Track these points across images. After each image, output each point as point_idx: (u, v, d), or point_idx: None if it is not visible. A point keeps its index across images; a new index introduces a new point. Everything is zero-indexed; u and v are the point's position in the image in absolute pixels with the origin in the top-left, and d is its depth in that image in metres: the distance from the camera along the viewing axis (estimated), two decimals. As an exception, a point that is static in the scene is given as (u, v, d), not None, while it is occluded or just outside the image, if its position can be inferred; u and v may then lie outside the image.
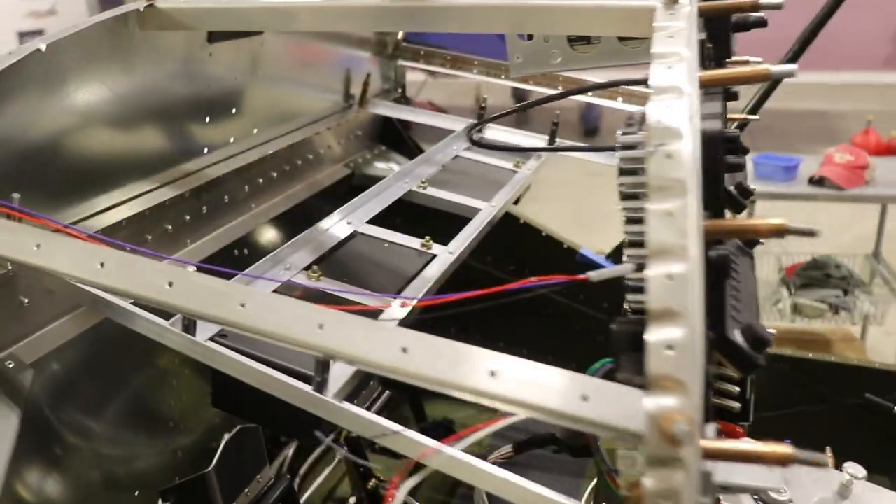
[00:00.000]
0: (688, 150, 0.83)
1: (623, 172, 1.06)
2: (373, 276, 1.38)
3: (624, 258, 1.10)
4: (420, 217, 1.67)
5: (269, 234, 1.98)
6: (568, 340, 2.54)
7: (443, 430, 2.03)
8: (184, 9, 1.35)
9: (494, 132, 2.26)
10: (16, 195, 1.18)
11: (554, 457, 1.36)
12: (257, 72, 1.84)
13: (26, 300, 1.26)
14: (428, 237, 1.51)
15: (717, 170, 0.96)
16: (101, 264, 0.89)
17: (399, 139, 2.57)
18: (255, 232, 1.89)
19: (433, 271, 1.39)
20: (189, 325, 1.04)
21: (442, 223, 1.67)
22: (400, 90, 2.57)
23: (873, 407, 2.00)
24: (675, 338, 0.66)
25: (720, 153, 0.96)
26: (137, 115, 1.48)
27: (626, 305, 1.10)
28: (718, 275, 0.86)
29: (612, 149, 1.22)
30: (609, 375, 0.95)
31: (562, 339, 2.53)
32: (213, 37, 1.59)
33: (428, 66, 2.44)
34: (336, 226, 1.51)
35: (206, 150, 1.69)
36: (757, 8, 1.12)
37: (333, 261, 1.39)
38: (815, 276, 4.43)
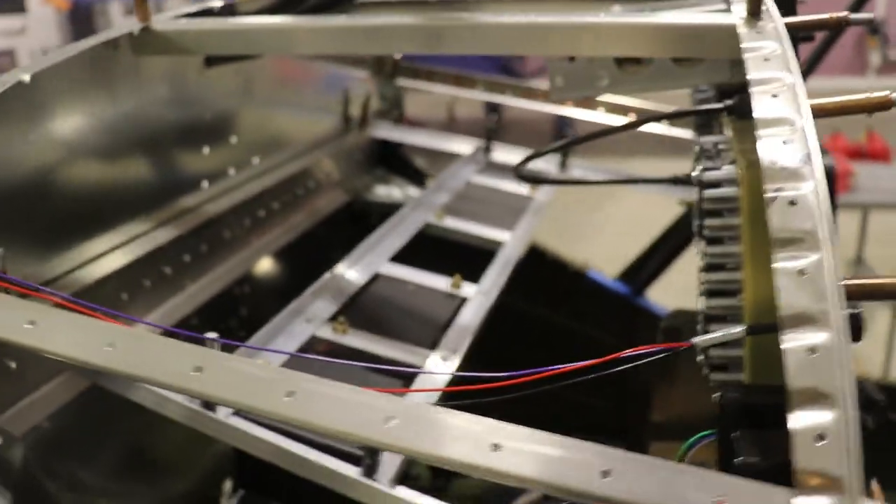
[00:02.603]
0: (813, 194, 0.70)
1: (708, 214, 0.93)
2: (403, 325, 1.24)
3: (701, 306, 0.97)
4: (442, 250, 1.54)
5: (271, 270, 1.82)
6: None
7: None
8: (183, 31, 1.20)
9: (505, 154, 2.13)
10: (-1, 250, 1.02)
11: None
12: (255, 97, 1.69)
13: (13, 364, 1.11)
14: (457, 275, 1.37)
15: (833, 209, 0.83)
16: (111, 345, 0.74)
17: (399, 161, 2.42)
18: (257, 268, 1.74)
19: (468, 318, 1.25)
20: (210, 402, 0.91)
21: (465, 256, 1.54)
22: (398, 110, 2.43)
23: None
24: (825, 424, 0.56)
25: (832, 191, 0.83)
26: (131, 149, 1.32)
27: (701, 360, 0.97)
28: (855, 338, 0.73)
29: (688, 182, 1.10)
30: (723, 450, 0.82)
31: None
32: (211, 61, 1.44)
33: (429, 85, 2.30)
34: (356, 267, 1.36)
35: (205, 185, 1.53)
36: (846, 25, 1.00)
37: (358, 309, 1.25)
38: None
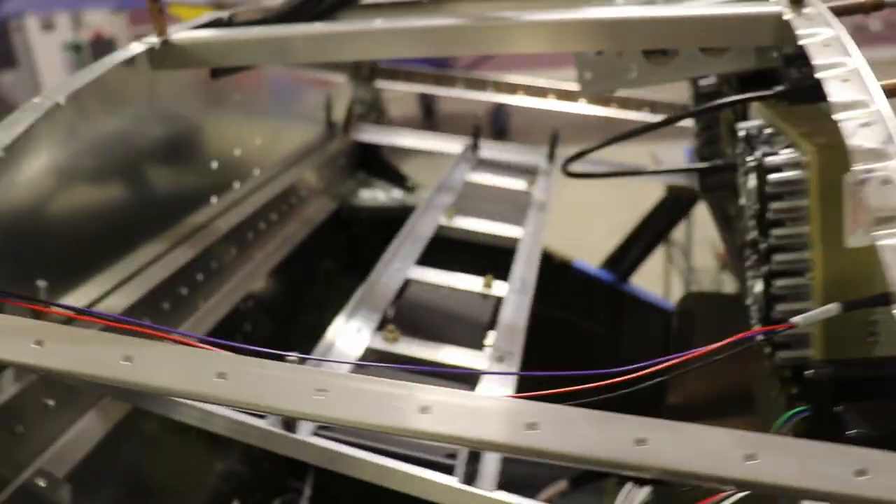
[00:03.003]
0: None
1: (771, 198, 0.95)
2: (448, 328, 1.23)
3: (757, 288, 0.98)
4: (461, 250, 1.54)
5: (272, 283, 1.79)
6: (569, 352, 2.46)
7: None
8: (206, 41, 1.17)
9: (490, 151, 2.13)
10: (41, 283, 0.98)
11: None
12: (254, 107, 1.65)
13: (52, 402, 1.06)
14: (489, 275, 1.36)
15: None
16: (222, 375, 0.71)
17: (379, 164, 2.40)
18: (262, 284, 1.70)
19: (512, 317, 1.25)
20: (290, 422, 0.88)
21: (484, 254, 1.54)
22: (377, 114, 2.41)
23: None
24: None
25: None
26: (148, 168, 1.28)
27: (761, 340, 0.99)
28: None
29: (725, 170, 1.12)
30: (807, 426, 0.83)
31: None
32: (218, 72, 1.40)
33: (408, 85, 2.29)
34: (386, 274, 1.35)
35: (214, 200, 1.50)
36: (881, 7, 1.03)
37: (401, 316, 1.23)
38: (752, 257, 4.54)
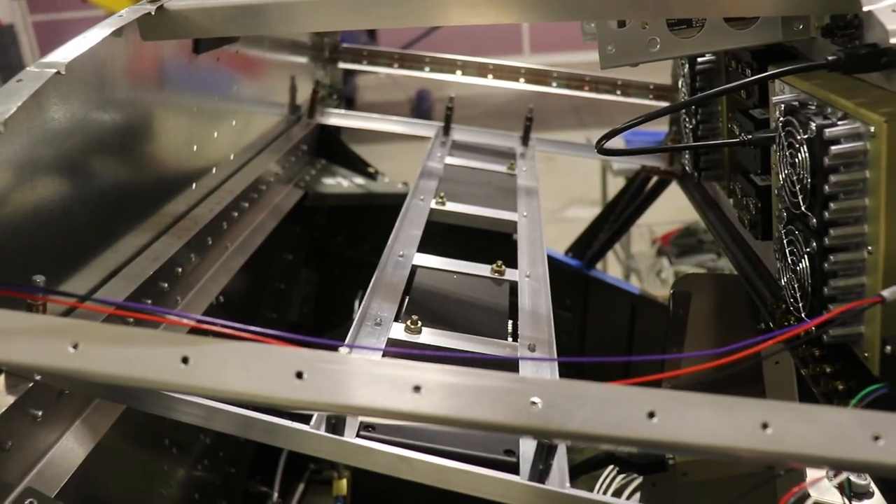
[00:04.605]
0: None
1: (830, 170, 0.91)
2: (469, 317, 1.16)
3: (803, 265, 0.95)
4: (457, 235, 1.47)
5: (245, 275, 1.69)
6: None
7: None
8: (203, 8, 1.06)
9: (464, 134, 2.07)
10: (38, 277, 0.87)
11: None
12: (228, 88, 1.55)
13: (40, 413, 0.95)
14: (500, 262, 1.30)
15: None
16: (300, 375, 0.63)
17: (339, 150, 2.31)
18: (235, 277, 1.60)
19: (532, 303, 1.19)
20: (338, 423, 0.81)
21: (483, 238, 1.48)
22: (336, 96, 2.31)
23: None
24: None
25: None
26: (140, 148, 1.18)
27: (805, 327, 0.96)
28: None
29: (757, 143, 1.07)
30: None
31: None
32: (201, 46, 1.30)
33: (372, 66, 2.20)
34: (391, 263, 1.26)
35: (193, 186, 1.39)
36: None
37: (417, 305, 1.15)
38: (689, 242, 4.67)
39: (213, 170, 1.47)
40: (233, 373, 0.63)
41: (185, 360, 0.63)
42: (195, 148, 1.37)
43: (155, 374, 0.63)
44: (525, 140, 2.04)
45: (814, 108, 0.99)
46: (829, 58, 0.95)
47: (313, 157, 2.22)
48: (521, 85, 2.07)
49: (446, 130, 2.02)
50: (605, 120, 1.97)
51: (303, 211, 2.09)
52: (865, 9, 0.87)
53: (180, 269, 1.35)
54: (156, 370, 0.63)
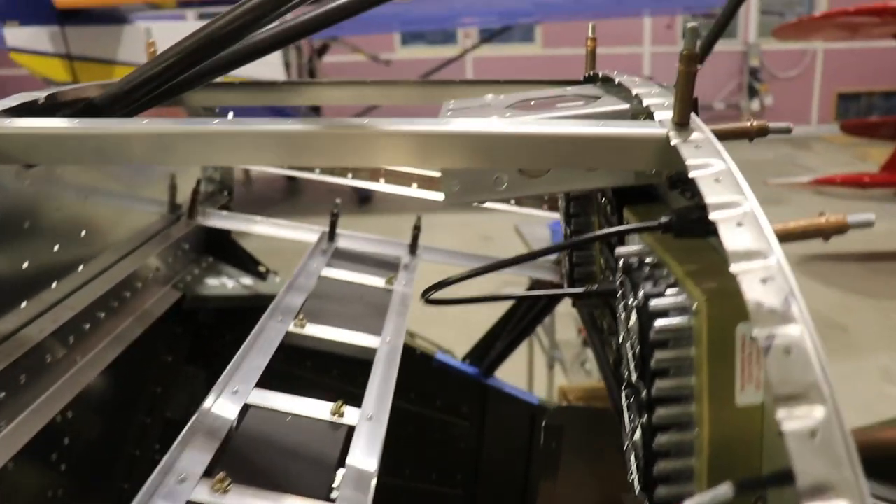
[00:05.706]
0: (807, 338, 0.63)
1: (657, 346, 0.85)
2: (290, 471, 1.06)
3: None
4: (311, 363, 1.38)
5: (99, 388, 1.58)
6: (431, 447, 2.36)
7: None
8: (14, 134, 0.98)
9: (349, 241, 1.99)
10: None
11: None
12: (78, 192, 1.45)
13: None
14: (340, 402, 1.21)
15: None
16: None
17: (228, 248, 2.22)
18: (83, 392, 1.49)
19: (362, 456, 1.10)
20: None
21: (337, 366, 1.40)
22: (227, 192, 2.23)
23: None
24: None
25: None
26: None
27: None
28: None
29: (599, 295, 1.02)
30: None
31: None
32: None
33: (263, 165, 2.12)
34: (222, 400, 1.17)
35: (23, 304, 1.29)
36: (766, 132, 0.97)
37: (234, 459, 1.06)
38: (611, 333, 4.65)
39: (53, 284, 1.37)
40: None
41: None
42: (25, 265, 1.27)
43: None
44: (413, 249, 1.98)
45: (648, 268, 0.93)
46: (663, 219, 0.90)
47: (199, 255, 2.13)
48: (414, 191, 2.01)
49: (331, 236, 1.94)
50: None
51: (182, 313, 1.99)
52: (691, 175, 0.82)
53: (4, 394, 1.25)
54: None
